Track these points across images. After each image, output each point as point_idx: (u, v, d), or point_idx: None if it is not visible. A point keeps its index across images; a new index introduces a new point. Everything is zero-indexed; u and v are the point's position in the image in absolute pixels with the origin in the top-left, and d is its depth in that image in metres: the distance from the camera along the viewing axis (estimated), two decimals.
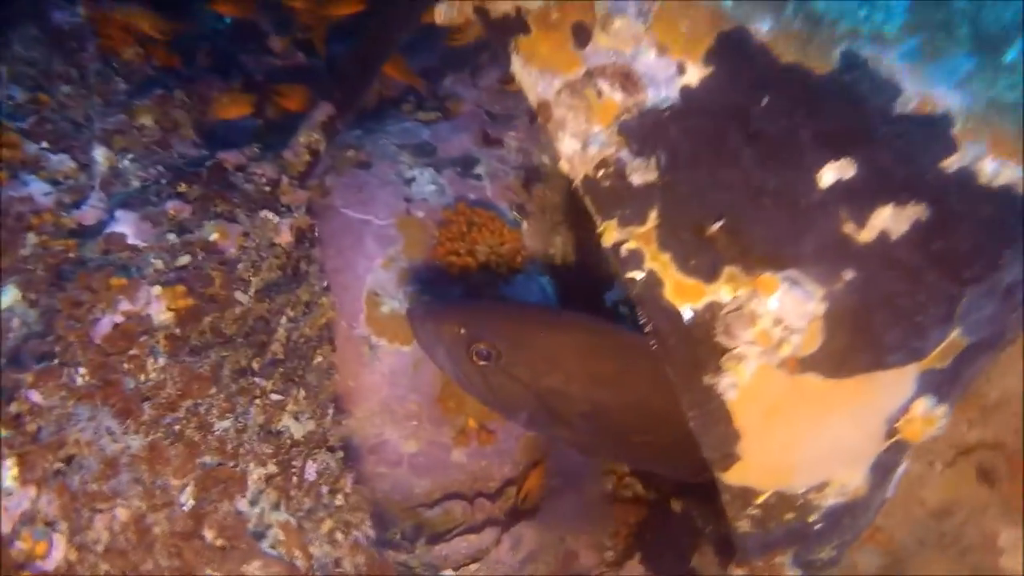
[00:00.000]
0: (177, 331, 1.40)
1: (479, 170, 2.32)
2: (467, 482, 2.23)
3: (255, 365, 1.53)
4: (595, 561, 2.36)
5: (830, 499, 1.19)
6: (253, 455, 1.41)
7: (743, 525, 1.23)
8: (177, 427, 1.33)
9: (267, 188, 1.77)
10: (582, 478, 2.02)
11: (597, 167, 1.13)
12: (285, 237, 1.72)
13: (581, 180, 1.17)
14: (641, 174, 1.06)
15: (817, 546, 1.35)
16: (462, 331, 1.69)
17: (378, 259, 2.11)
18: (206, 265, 1.50)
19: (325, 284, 1.87)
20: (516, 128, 2.41)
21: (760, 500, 1.17)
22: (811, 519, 1.24)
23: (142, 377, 1.32)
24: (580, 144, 1.17)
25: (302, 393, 1.58)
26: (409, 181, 2.25)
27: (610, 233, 1.10)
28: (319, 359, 1.71)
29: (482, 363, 1.68)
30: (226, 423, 1.40)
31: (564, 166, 1.20)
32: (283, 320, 1.63)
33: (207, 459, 1.34)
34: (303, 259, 1.78)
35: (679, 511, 2.15)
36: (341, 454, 1.66)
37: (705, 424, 1.12)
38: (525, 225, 2.26)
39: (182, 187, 1.62)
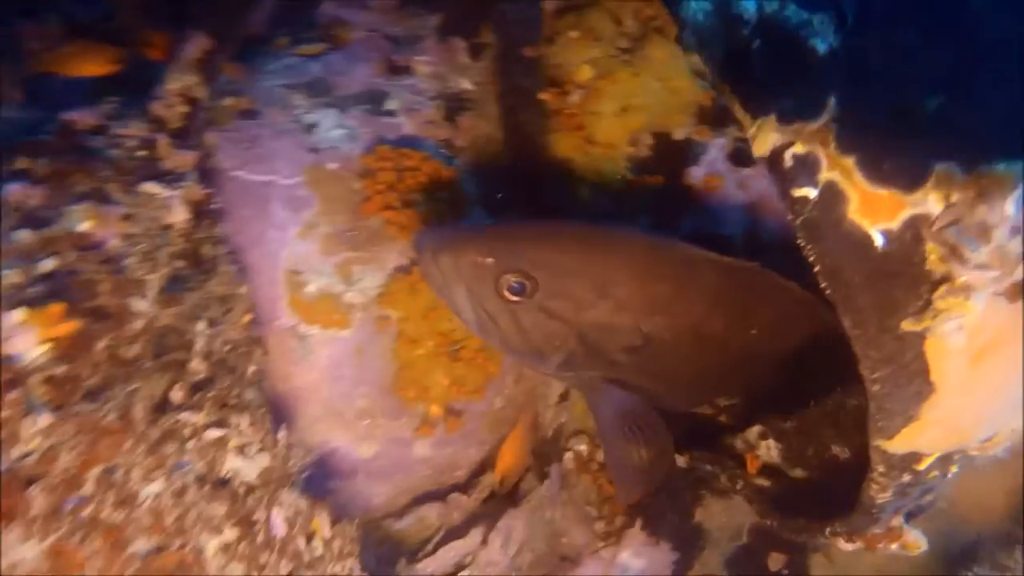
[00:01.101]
0: (61, 370, 0.95)
1: (391, 105, 1.90)
2: (434, 476, 1.87)
3: (176, 395, 1.10)
4: (586, 538, 2.08)
5: (991, 451, 0.94)
6: (202, 522, 1.00)
7: (884, 496, 0.97)
8: (87, 512, 0.90)
9: (141, 152, 1.31)
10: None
11: (749, 35, 0.77)
12: (179, 215, 1.28)
13: (722, 59, 0.80)
14: (815, 38, 0.72)
15: (931, 496, 1.10)
16: (489, 261, 1.35)
17: (292, 228, 1.68)
18: (83, 268, 1.05)
19: (238, 268, 1.43)
20: (426, 51, 1.99)
21: (921, 466, 0.90)
22: (951, 472, 0.98)
23: (19, 451, 0.88)
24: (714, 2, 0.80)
25: (245, 420, 1.17)
26: (310, 127, 1.81)
27: (765, 136, 0.77)
28: (252, 368, 1.29)
29: (514, 299, 1.32)
30: (156, 486, 0.98)
31: (689, 41, 0.82)
32: (200, 327, 1.20)
33: (141, 546, 0.93)
34: (207, 242, 1.34)
35: (685, 466, 1.88)
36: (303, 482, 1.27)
37: (896, 385, 0.83)
38: (460, 163, 1.88)
39: (22, 162, 1.14)
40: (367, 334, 1.69)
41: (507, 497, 2.00)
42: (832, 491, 1.37)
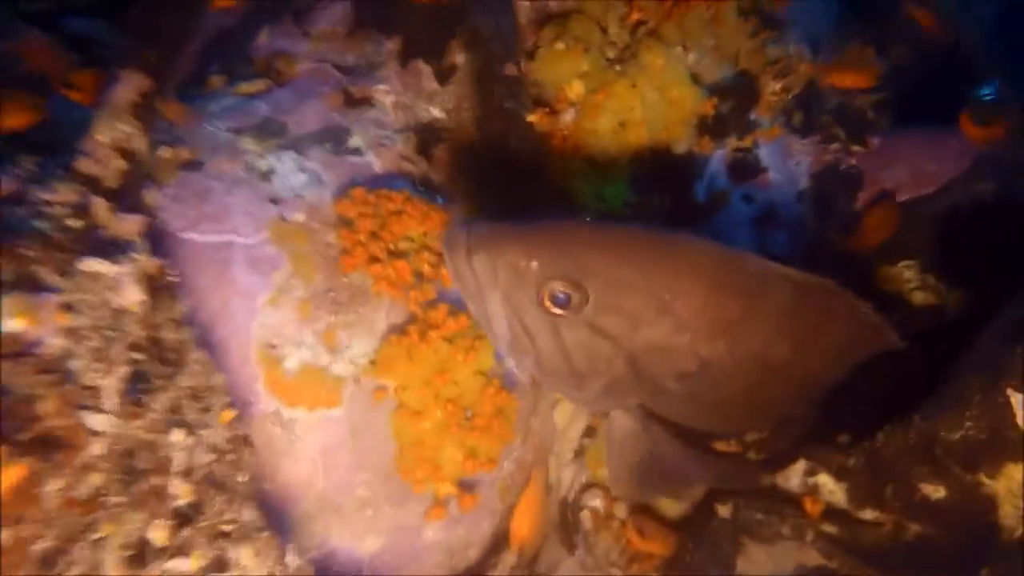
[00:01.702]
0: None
1: (355, 142, 1.66)
2: (445, 562, 1.61)
3: (158, 535, 0.83)
4: None
5: None
6: None
7: None
8: None
9: (74, 222, 1.03)
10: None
11: None
12: (132, 296, 1.01)
13: None
14: None
15: None
16: (532, 265, 1.12)
17: (261, 295, 1.42)
18: (16, 383, 0.78)
19: (206, 354, 1.16)
20: (386, 79, 1.76)
21: None
22: None
23: None
24: None
25: (247, 552, 0.90)
26: (267, 175, 1.55)
27: None
28: (244, 478, 1.02)
29: (558, 312, 1.10)
30: None
31: None
32: (176, 437, 0.93)
33: None
34: (168, 325, 1.07)
35: (727, 515, 1.67)
36: None
37: None
38: (439, 199, 1.64)
39: None
40: (362, 411, 1.43)
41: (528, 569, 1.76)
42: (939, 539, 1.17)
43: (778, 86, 1.80)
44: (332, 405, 1.41)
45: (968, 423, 1.16)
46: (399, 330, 1.45)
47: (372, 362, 1.43)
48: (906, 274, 1.84)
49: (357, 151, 1.65)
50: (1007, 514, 1.15)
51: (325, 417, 1.41)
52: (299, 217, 1.49)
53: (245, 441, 1.09)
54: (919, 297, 1.85)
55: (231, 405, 1.11)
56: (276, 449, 1.37)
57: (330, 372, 1.41)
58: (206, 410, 1.00)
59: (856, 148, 1.94)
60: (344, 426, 1.42)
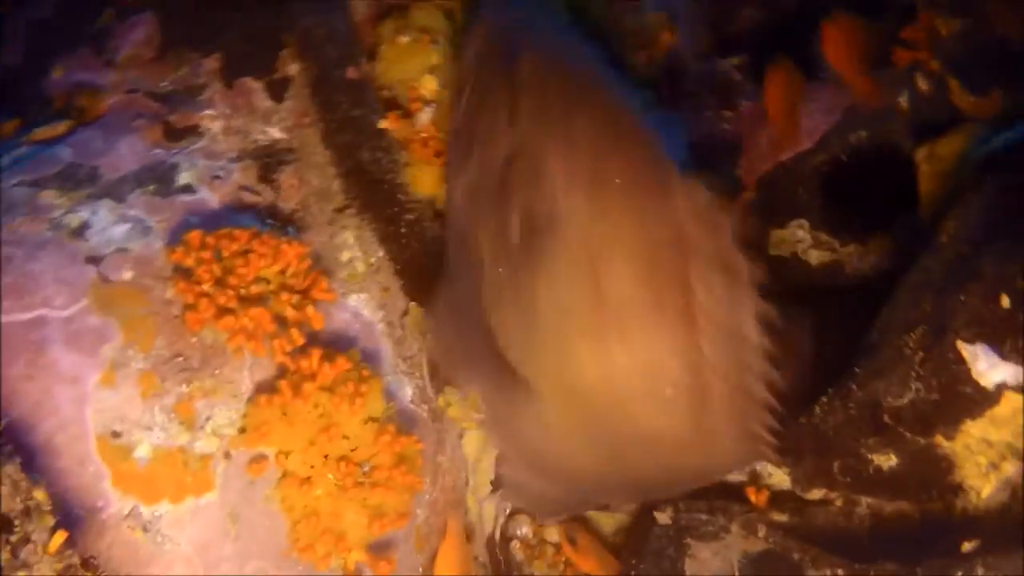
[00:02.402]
0: None
1: (185, 178, 1.43)
2: None
3: None
4: None
5: None
6: None
7: None
8: None
9: None
10: None
11: None
12: None
13: None
14: None
15: None
16: None
17: (90, 375, 1.18)
18: None
19: (23, 462, 0.92)
20: (211, 103, 1.53)
21: None
22: None
23: None
24: None
25: None
26: (79, 230, 1.31)
27: None
28: None
29: None
30: None
31: None
32: None
33: None
34: None
35: (667, 520, 1.54)
36: None
37: None
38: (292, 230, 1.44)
39: None
40: (239, 490, 1.21)
41: None
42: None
43: (642, 57, 1.69)
44: (202, 491, 1.18)
45: (916, 384, 1.07)
46: (268, 388, 1.23)
47: (242, 430, 1.22)
48: (799, 234, 1.78)
49: (188, 189, 1.42)
50: (970, 474, 1.06)
51: (196, 506, 1.18)
52: (126, 275, 1.25)
53: (87, 564, 0.85)
54: (815, 256, 1.79)
55: (65, 523, 0.87)
56: (141, 558, 1.14)
57: (192, 452, 1.18)
58: (25, 542, 0.76)
59: (728, 113, 1.86)
60: (221, 512, 1.19)
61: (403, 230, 1.48)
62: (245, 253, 1.27)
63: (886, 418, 1.12)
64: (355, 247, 1.50)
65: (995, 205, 1.09)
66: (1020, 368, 0.98)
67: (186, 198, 1.40)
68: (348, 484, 1.24)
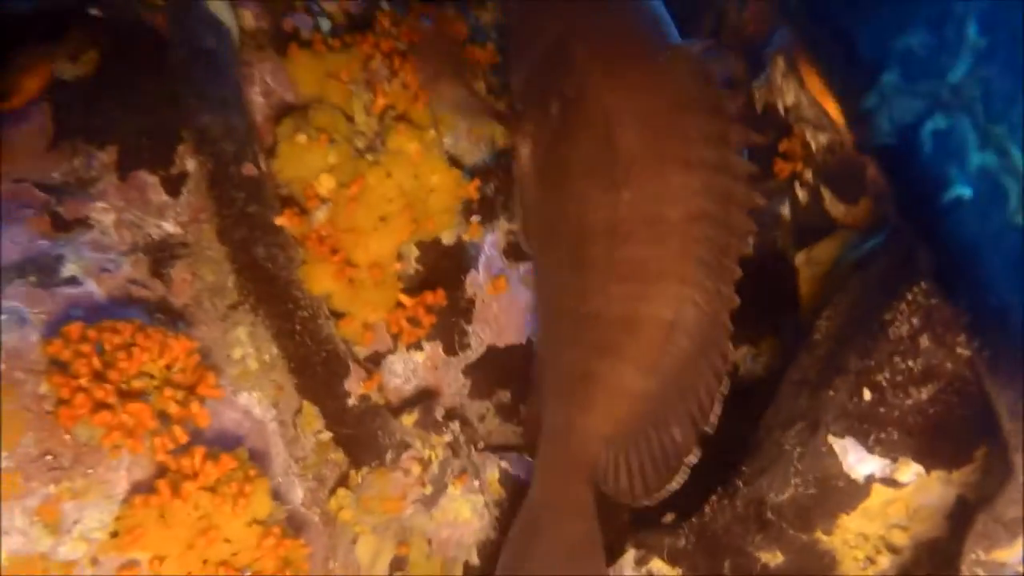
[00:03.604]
0: None
1: (70, 270, 1.39)
2: None
3: None
4: None
5: None
6: None
7: None
8: None
9: None
10: None
11: None
12: None
13: None
14: None
15: None
16: None
17: None
18: None
19: None
20: (104, 195, 1.51)
21: None
22: None
23: None
24: None
25: None
26: None
27: None
28: None
29: None
30: None
31: None
32: None
33: None
34: None
35: None
36: None
37: None
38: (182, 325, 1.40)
39: None
40: None
41: None
42: None
43: None
44: None
45: (796, 479, 1.09)
46: (146, 488, 1.17)
47: (113, 534, 1.15)
48: None
49: (73, 281, 1.38)
50: (850, 569, 1.08)
51: None
52: None
53: None
54: None
55: None
56: None
57: (55, 558, 1.10)
58: None
59: None
60: None
61: (297, 327, 1.46)
62: (128, 347, 1.23)
63: (770, 514, 1.14)
64: (248, 344, 1.47)
65: (858, 303, 1.16)
66: (885, 460, 1.03)
67: (70, 290, 1.36)
68: None
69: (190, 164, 1.53)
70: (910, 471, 1.01)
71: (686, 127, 1.20)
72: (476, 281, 1.66)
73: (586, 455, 1.27)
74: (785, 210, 1.77)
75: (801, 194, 1.71)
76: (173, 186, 1.53)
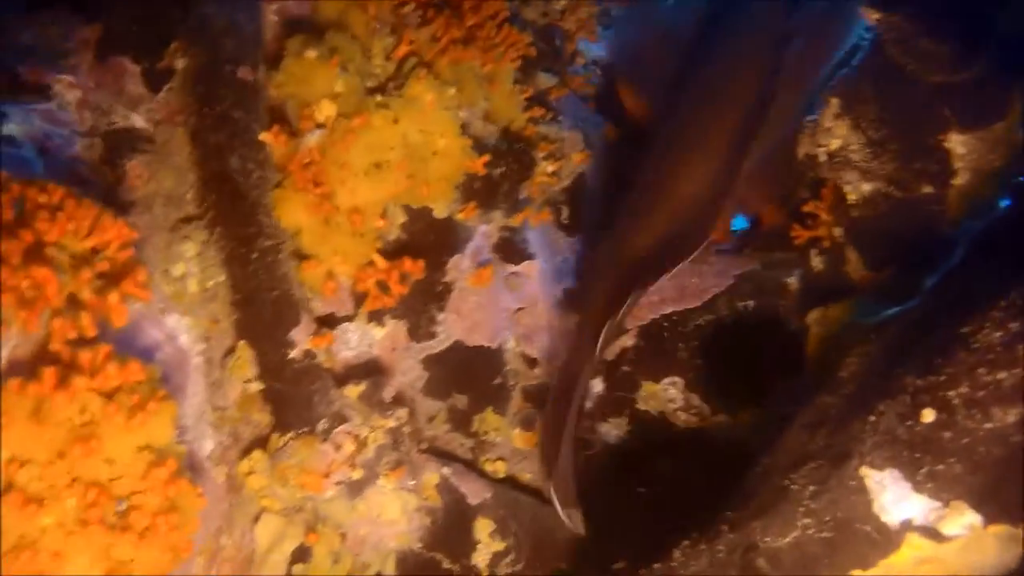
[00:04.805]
0: None
1: (10, 130, 1.21)
2: None
3: None
4: None
5: None
6: None
7: None
8: None
9: None
10: None
11: None
12: None
13: None
14: None
15: None
16: None
17: None
18: None
19: None
20: (73, 69, 1.34)
21: None
22: None
23: None
24: None
25: None
26: None
27: None
28: None
29: None
30: None
31: None
32: None
33: None
34: None
35: None
36: None
37: None
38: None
39: None
40: None
41: None
42: None
43: (551, 168, 1.62)
44: None
45: (803, 520, 0.91)
46: (26, 370, 0.96)
47: None
48: (671, 392, 1.68)
49: (10, 141, 1.19)
50: None
51: None
52: None
53: None
54: (682, 419, 1.69)
55: None
56: None
57: None
58: None
59: None
60: None
61: (254, 255, 1.28)
62: (55, 210, 1.03)
63: (761, 562, 0.95)
64: (193, 263, 1.28)
65: (899, 341, 1.00)
66: (933, 503, 0.84)
67: (4, 148, 1.17)
68: (92, 519, 0.95)
69: (179, 62, 1.37)
70: (962, 521, 0.82)
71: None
72: (459, 266, 1.49)
73: None
74: (793, 281, 1.65)
75: (817, 261, 1.59)
76: (155, 80, 1.37)
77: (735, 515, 1.06)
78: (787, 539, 0.93)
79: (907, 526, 0.86)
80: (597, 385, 1.68)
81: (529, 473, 1.53)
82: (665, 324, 1.72)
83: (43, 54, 1.36)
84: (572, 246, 1.70)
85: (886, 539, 0.86)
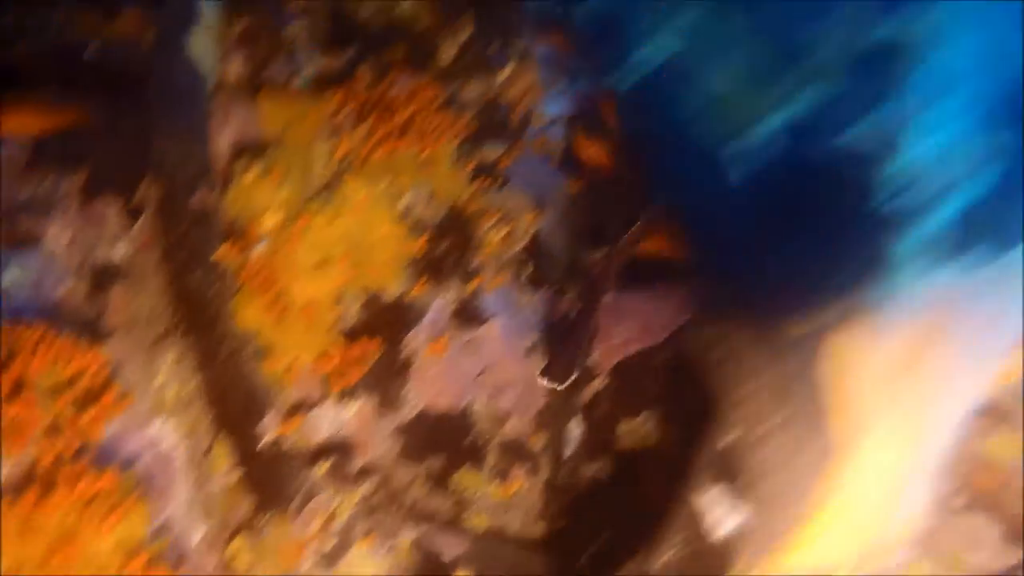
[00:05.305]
0: None
1: (12, 275, 1.41)
2: None
3: None
4: None
5: None
6: None
7: None
8: None
9: None
10: None
11: None
12: None
13: None
14: None
15: None
16: None
17: None
18: None
19: None
20: (63, 215, 1.54)
21: None
22: None
23: None
24: None
25: None
26: None
27: None
28: None
29: None
30: None
31: None
32: None
33: None
34: None
35: None
36: None
37: None
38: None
39: None
40: None
41: None
42: None
43: (501, 233, 1.75)
44: None
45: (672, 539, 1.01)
46: (15, 489, 1.14)
47: None
48: (648, 425, 1.76)
49: (7, 289, 1.40)
50: None
51: None
52: None
53: None
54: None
55: None
56: None
57: None
58: None
59: (588, 304, 1.89)
60: None
61: (221, 358, 1.44)
62: (39, 344, 1.22)
63: None
64: (171, 372, 1.46)
65: None
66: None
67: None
68: None
69: (151, 194, 1.56)
70: None
71: None
72: (417, 339, 1.62)
73: None
74: None
75: None
76: (131, 214, 1.56)
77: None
78: (665, 557, 1.03)
79: None
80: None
81: (511, 523, 1.63)
82: (634, 361, 1.80)
83: (33, 206, 1.57)
84: (535, 302, 1.81)
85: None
